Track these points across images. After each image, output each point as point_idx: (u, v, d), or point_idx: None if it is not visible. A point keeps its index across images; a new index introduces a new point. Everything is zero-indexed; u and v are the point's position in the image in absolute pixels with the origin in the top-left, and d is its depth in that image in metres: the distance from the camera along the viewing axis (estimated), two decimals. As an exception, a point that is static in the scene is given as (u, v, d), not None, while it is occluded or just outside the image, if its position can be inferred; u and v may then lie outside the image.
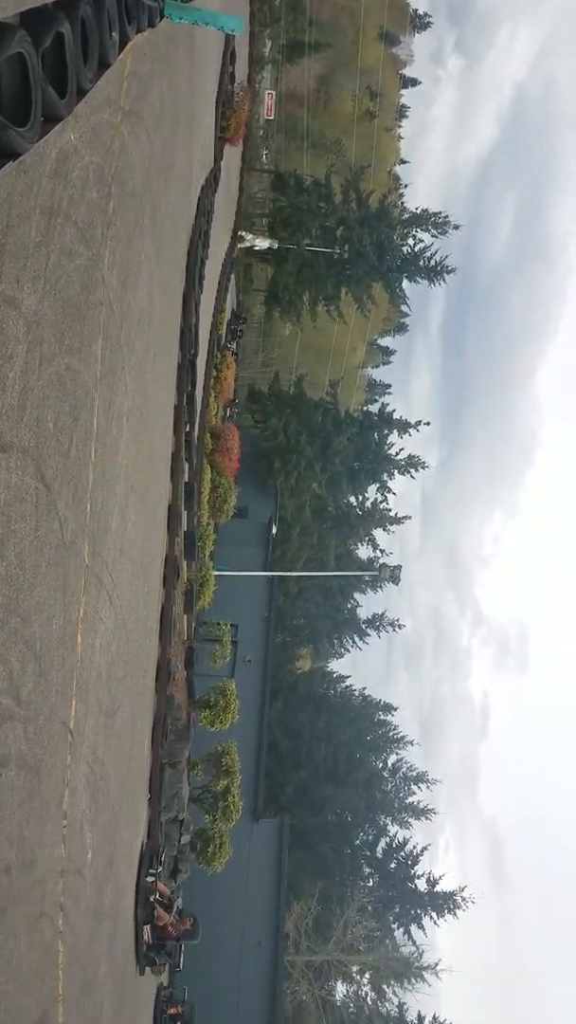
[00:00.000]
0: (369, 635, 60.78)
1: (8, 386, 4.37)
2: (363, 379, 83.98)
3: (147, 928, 13.94)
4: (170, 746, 16.30)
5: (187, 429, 18.45)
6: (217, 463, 29.40)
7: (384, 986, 47.43)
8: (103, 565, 7.92)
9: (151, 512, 12.40)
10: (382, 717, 57.50)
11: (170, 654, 16.08)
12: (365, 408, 61.03)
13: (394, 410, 50.23)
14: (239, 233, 43.50)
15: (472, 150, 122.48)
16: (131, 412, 9.27)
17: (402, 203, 55.00)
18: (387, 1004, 47.42)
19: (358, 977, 47.68)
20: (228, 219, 37.00)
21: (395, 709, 58.74)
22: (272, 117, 54.12)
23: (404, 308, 58.12)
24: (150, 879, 13.80)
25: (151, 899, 14.01)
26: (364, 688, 60.78)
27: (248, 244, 46.68)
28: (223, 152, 26.31)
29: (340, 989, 47.43)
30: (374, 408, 55.25)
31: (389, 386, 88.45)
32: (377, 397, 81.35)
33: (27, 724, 5.12)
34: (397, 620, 61.77)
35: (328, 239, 49.20)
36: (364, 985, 48.07)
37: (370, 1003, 47.18)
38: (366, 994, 47.86)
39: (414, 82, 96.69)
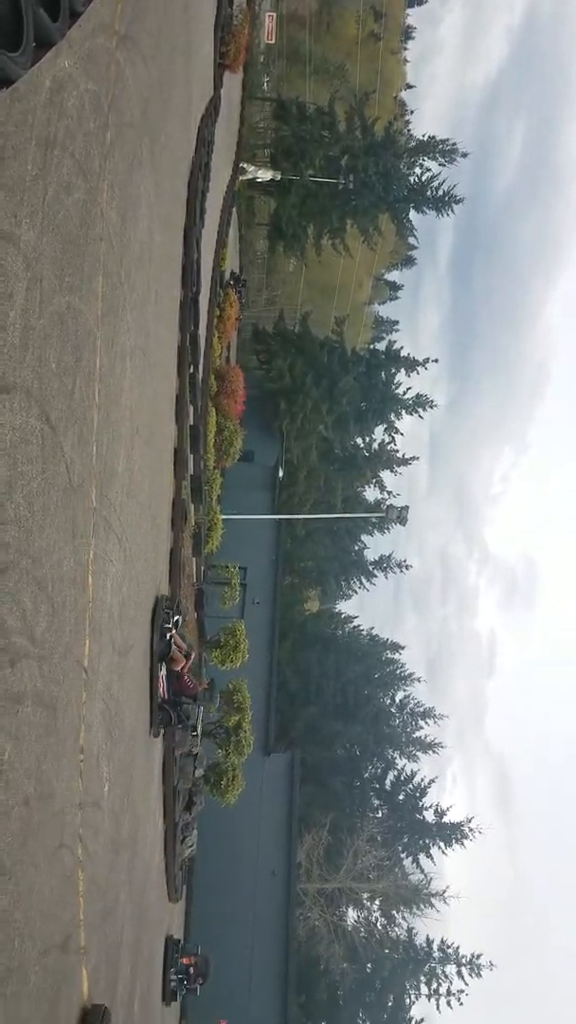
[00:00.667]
0: (376, 576, 61.11)
1: (9, 325, 4.31)
2: (370, 316, 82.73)
3: (163, 676, 13.01)
4: (182, 684, 16.52)
5: (191, 370, 18.30)
6: (222, 406, 29.23)
7: (393, 912, 48.95)
8: (111, 508, 7.93)
9: (157, 455, 12.37)
10: (389, 655, 58.19)
11: (180, 596, 16.23)
12: (372, 346, 60.26)
13: (401, 347, 49.60)
14: (240, 165, 42.48)
15: (481, 73, 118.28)
16: (134, 352, 9.17)
17: (408, 130, 53.59)
18: (396, 929, 49.00)
19: (368, 903, 49.16)
20: (229, 150, 36.11)
21: (402, 648, 59.45)
22: (273, 41, 52.30)
23: (411, 240, 57.10)
24: (169, 625, 12.94)
25: (168, 636, 13.06)
26: (372, 628, 61.43)
27: (250, 176, 45.59)
28: (223, 80, 25.55)
29: (351, 915, 48.94)
30: (381, 346, 54.49)
31: (396, 323, 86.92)
32: (384, 334, 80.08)
33: (42, 662, 5.20)
34: (404, 561, 62.00)
35: (332, 169, 48.03)
36: (374, 911, 49.62)
37: (380, 928, 48.75)
38: (376, 919, 49.42)
39: (420, 0, 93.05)
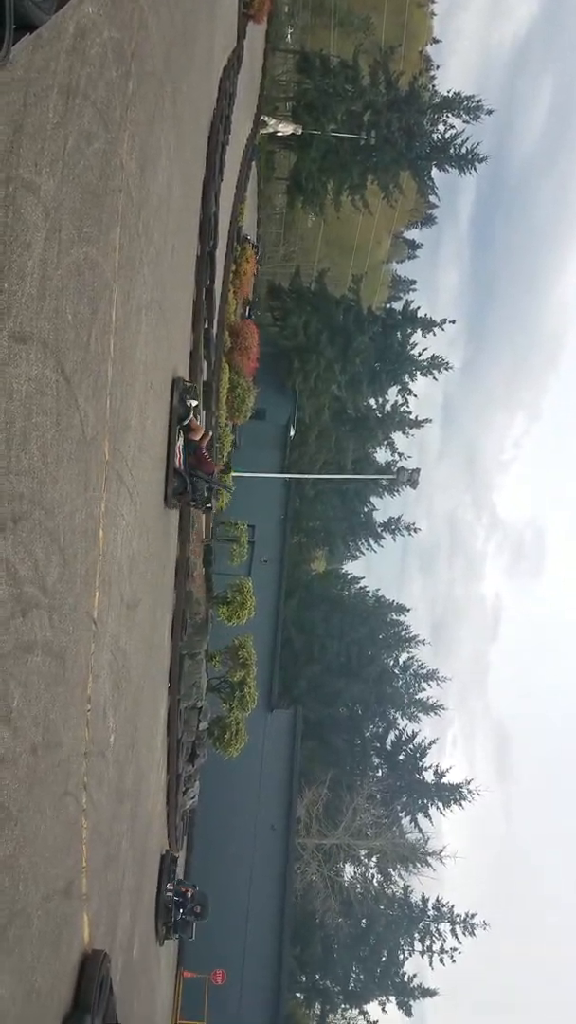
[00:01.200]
0: (384, 538, 61.10)
1: (27, 275, 4.29)
2: (387, 275, 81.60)
3: (179, 447, 12.66)
4: (189, 638, 16.72)
5: (206, 326, 18.17)
6: (235, 362, 29.04)
7: (390, 869, 49.87)
8: (123, 462, 7.94)
9: (170, 411, 12.34)
10: (395, 617, 58.47)
11: (189, 552, 16.31)
12: (388, 305, 59.58)
13: (418, 308, 48.97)
14: (262, 118, 41.71)
15: (509, 29, 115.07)
16: (149, 306, 9.11)
17: (433, 86, 52.17)
18: (392, 886, 49.94)
19: (365, 860, 50.08)
20: (250, 103, 35.46)
21: (408, 610, 59.71)
22: (298, -9, 51.04)
23: (432, 198, 56.10)
24: (189, 397, 12.69)
25: (188, 403, 12.67)
26: (378, 589, 61.62)
27: (271, 130, 44.76)
28: (246, 30, 25.01)
29: (348, 871, 49.87)
30: (398, 306, 53.88)
31: (414, 282, 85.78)
32: (401, 294, 79.09)
33: (52, 612, 5.25)
34: (413, 524, 61.92)
35: (354, 124, 47.10)
36: (371, 868, 50.56)
37: (376, 885, 49.70)
38: (373, 876, 50.39)
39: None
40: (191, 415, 12.87)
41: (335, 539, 58.78)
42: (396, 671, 55.71)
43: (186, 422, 12.78)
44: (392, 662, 55.82)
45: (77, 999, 6.59)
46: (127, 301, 7.47)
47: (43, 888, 5.44)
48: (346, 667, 50.62)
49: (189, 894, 18.44)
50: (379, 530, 60.58)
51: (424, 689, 56.81)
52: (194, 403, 13.03)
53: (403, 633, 57.45)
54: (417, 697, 56.29)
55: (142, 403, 8.99)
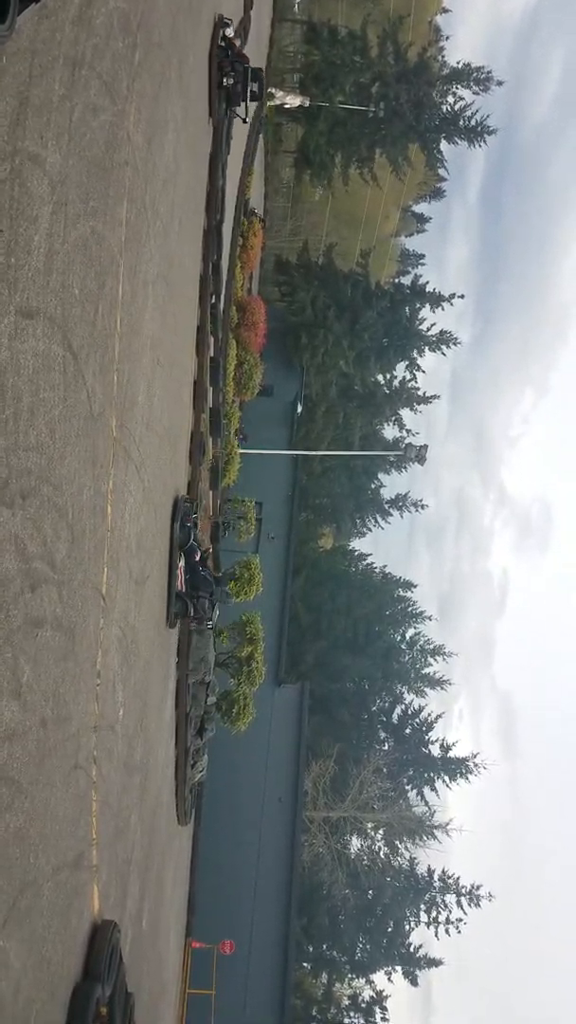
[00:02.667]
0: (392, 515, 61.07)
1: (34, 249, 4.27)
2: (396, 249, 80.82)
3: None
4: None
5: (213, 301, 18.06)
6: (242, 338, 28.93)
7: (396, 842, 50.36)
8: (130, 438, 7.94)
9: (177, 387, 12.32)
10: (401, 593, 58.53)
11: (198, 494, 16.25)
12: (397, 280, 59.07)
13: (427, 282, 48.53)
14: (268, 90, 41.20)
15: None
16: (156, 281, 9.06)
17: (442, 57, 51.40)
18: (399, 859, 50.46)
19: (372, 833, 50.57)
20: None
21: (414, 586, 59.74)
22: (305, -41, 50.25)
23: (441, 171, 55.41)
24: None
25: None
26: (385, 566, 61.57)
27: (278, 102, 44.27)
28: (253, 0, 24.64)
29: (355, 843, 50.39)
30: (406, 280, 53.40)
31: (423, 256, 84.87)
32: (410, 268, 78.37)
33: (61, 588, 5.28)
34: (420, 500, 61.79)
35: (363, 96, 46.52)
36: (378, 840, 51.06)
37: (383, 857, 50.22)
38: (379, 849, 50.90)
39: None
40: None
41: (342, 516, 58.74)
42: (403, 646, 55.88)
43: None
44: (399, 638, 55.98)
45: (87, 969, 6.68)
46: (134, 276, 7.42)
47: (53, 859, 5.51)
48: (353, 643, 50.81)
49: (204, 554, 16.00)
50: (386, 507, 60.52)
51: (431, 664, 57.05)
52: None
53: (410, 609, 57.55)
54: (424, 672, 56.52)
55: (149, 379, 8.97)
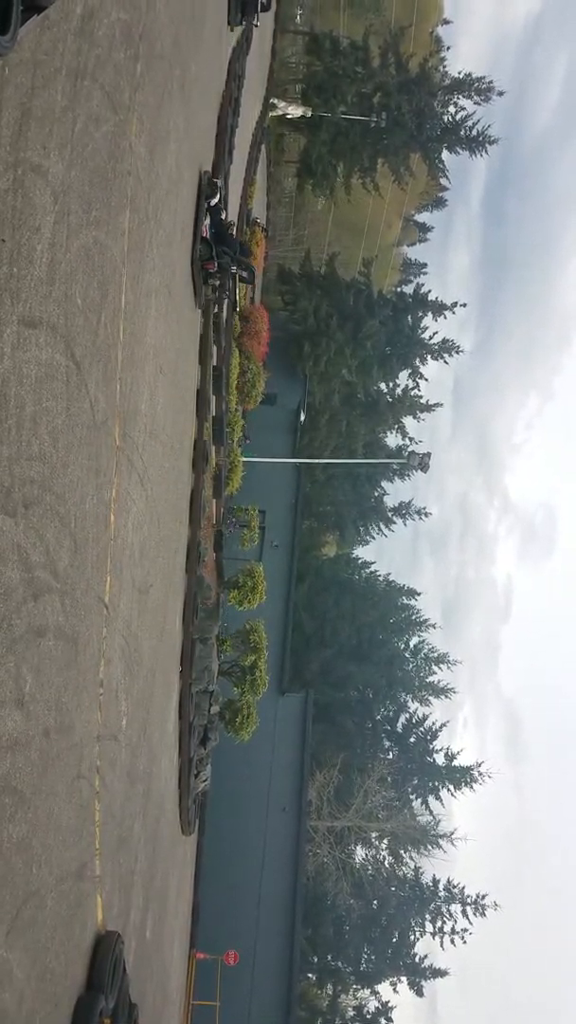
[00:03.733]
0: (395, 523, 61.02)
1: (36, 259, 4.28)
2: (398, 258, 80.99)
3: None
4: (200, 623, 16.76)
5: (215, 310, 18.10)
6: (246, 347, 28.97)
7: (401, 851, 50.14)
8: (133, 447, 7.94)
9: (180, 396, 12.34)
10: (405, 601, 58.47)
11: (200, 537, 16.33)
12: (399, 289, 59.15)
13: (429, 291, 48.68)
14: (271, 100, 41.37)
15: (522, 7, 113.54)
16: (159, 290, 9.08)
17: (444, 67, 51.60)
18: (404, 868, 50.25)
19: (377, 842, 50.35)
20: (260, 85, 35.16)
21: (418, 594, 59.69)
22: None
23: (443, 181, 55.61)
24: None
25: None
26: (388, 574, 61.57)
27: (280, 112, 44.44)
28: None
29: (359, 853, 50.19)
30: (408, 289, 53.52)
31: (425, 265, 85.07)
32: (412, 277, 78.54)
33: (64, 597, 5.27)
34: (424, 508, 61.83)
35: (365, 106, 46.68)
36: (382, 850, 50.86)
37: (387, 866, 50.01)
38: (384, 858, 50.70)
39: None
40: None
41: (346, 524, 58.68)
42: (407, 655, 55.80)
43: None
44: (403, 646, 55.90)
45: (91, 980, 6.65)
46: (136, 285, 7.44)
47: (57, 870, 5.49)
48: (357, 651, 50.71)
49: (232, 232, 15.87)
50: (390, 514, 60.46)
51: (435, 672, 56.94)
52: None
53: (414, 617, 57.48)
54: (428, 680, 56.39)
55: (152, 387, 8.98)
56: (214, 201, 13.56)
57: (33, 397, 4.37)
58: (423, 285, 51.02)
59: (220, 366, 20.68)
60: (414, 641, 56.97)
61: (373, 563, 63.29)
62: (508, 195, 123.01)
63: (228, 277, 15.12)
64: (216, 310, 18.31)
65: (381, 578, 60.85)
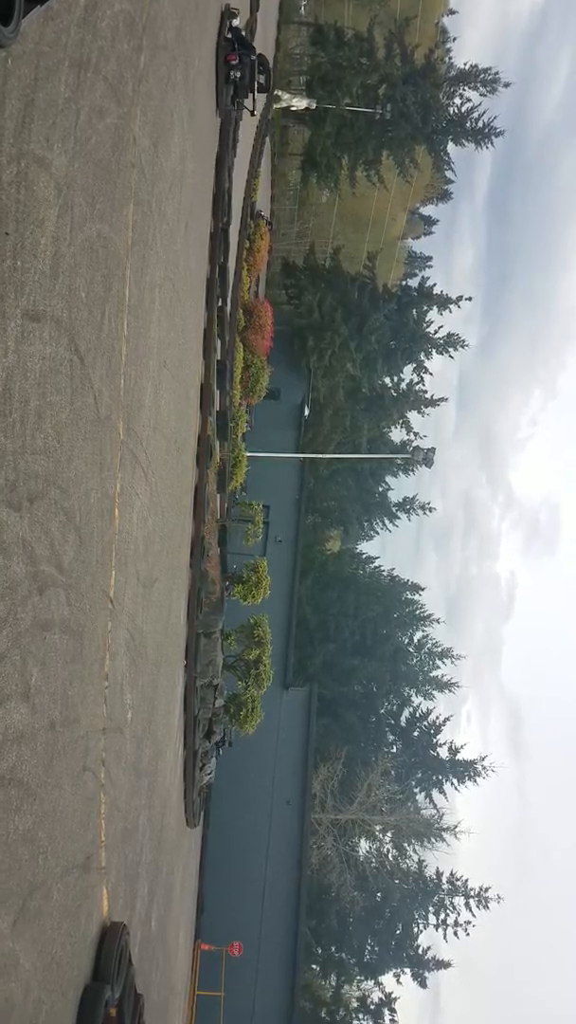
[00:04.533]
0: (399, 518, 61.00)
1: (40, 252, 4.27)
2: (403, 251, 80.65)
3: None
4: (205, 617, 16.79)
5: (219, 304, 18.08)
6: (249, 341, 28.92)
7: (404, 844, 50.26)
8: (137, 442, 7.94)
9: (184, 390, 12.33)
10: (409, 596, 58.49)
11: (204, 532, 16.35)
12: (404, 283, 59.02)
13: (434, 284, 48.48)
14: (275, 92, 41.22)
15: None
16: (163, 284, 9.07)
17: (449, 59, 51.39)
18: (407, 861, 50.36)
19: (380, 835, 50.47)
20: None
21: (422, 589, 59.72)
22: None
23: (448, 173, 55.33)
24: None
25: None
26: (392, 569, 61.55)
27: (284, 104, 44.25)
28: (259, 1, 24.67)
29: (363, 846, 50.32)
30: (413, 283, 53.37)
31: (430, 259, 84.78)
32: (417, 271, 78.37)
33: (69, 591, 5.28)
34: (428, 503, 61.75)
35: (369, 98, 46.49)
36: (386, 843, 50.98)
37: (391, 859, 50.12)
38: (387, 851, 50.81)
39: None
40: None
41: (350, 519, 58.70)
42: (410, 649, 55.82)
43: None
44: (406, 640, 55.93)
45: (97, 970, 6.69)
46: (140, 279, 7.43)
47: (62, 861, 5.51)
48: (361, 646, 50.76)
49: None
50: (394, 510, 60.45)
51: (438, 667, 56.96)
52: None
53: (417, 612, 57.49)
54: (431, 675, 56.43)
55: (156, 382, 8.98)
56: (235, 22, 14.99)
57: (37, 391, 4.37)
58: (428, 279, 50.82)
59: (224, 360, 20.67)
60: (418, 636, 57.00)
61: (377, 558, 63.32)
62: (514, 188, 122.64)
63: (247, 69, 15.76)
64: (220, 304, 18.27)
65: (385, 573, 60.88)
